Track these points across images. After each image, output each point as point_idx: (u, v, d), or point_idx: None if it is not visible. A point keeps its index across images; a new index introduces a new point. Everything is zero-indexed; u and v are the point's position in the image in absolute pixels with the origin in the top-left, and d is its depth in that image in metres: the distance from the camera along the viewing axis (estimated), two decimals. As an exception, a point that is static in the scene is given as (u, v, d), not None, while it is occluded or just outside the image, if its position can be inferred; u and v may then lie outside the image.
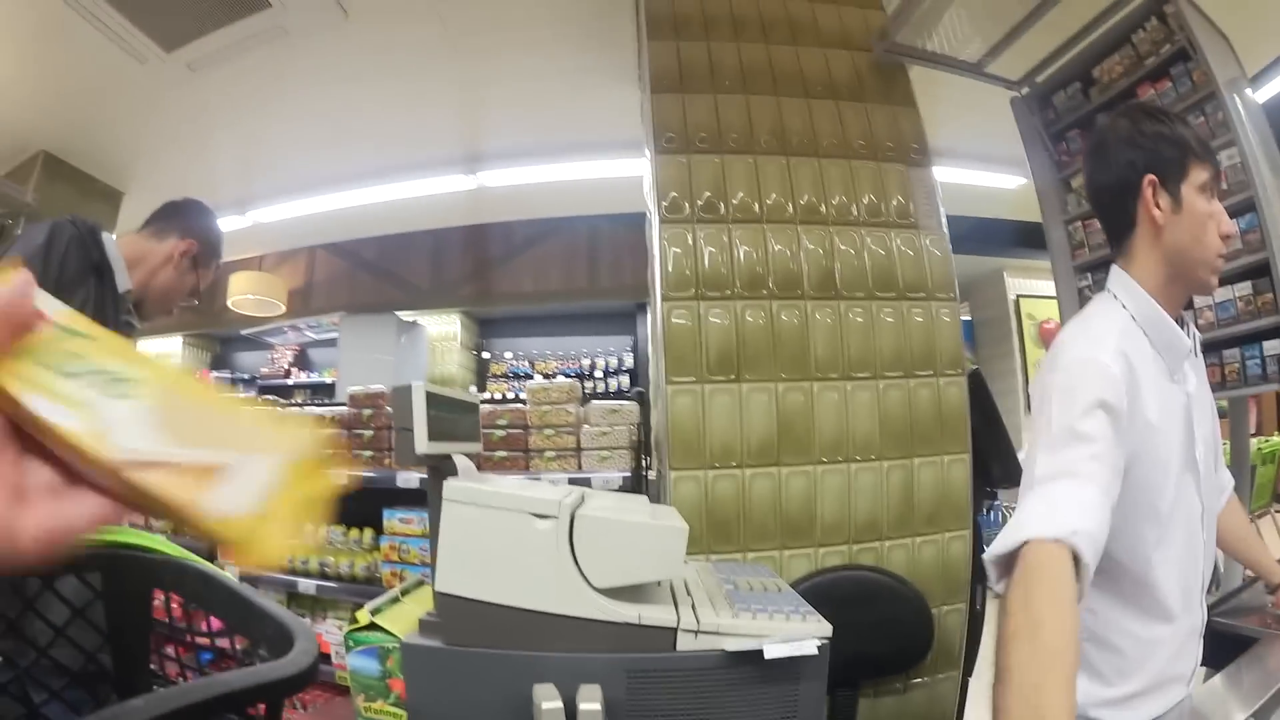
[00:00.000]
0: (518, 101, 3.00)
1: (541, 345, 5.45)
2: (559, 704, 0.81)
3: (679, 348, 1.86)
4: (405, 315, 4.81)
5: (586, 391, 5.05)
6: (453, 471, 1.01)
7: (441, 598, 0.90)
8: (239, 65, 2.71)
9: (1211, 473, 1.03)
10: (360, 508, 2.22)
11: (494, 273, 4.78)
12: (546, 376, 5.30)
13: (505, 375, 5.25)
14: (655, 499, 1.73)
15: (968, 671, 2.13)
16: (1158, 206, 0.96)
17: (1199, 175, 0.96)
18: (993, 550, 0.82)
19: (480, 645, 0.90)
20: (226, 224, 3.90)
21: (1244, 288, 2.08)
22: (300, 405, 3.65)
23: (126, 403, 0.27)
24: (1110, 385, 0.88)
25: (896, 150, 2.06)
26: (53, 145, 3.21)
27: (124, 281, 1.38)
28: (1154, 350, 0.97)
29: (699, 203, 1.94)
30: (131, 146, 3.22)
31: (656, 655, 0.93)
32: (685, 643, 0.94)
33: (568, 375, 5.12)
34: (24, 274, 0.27)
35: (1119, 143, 1.00)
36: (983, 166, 3.70)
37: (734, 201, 1.94)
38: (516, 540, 0.91)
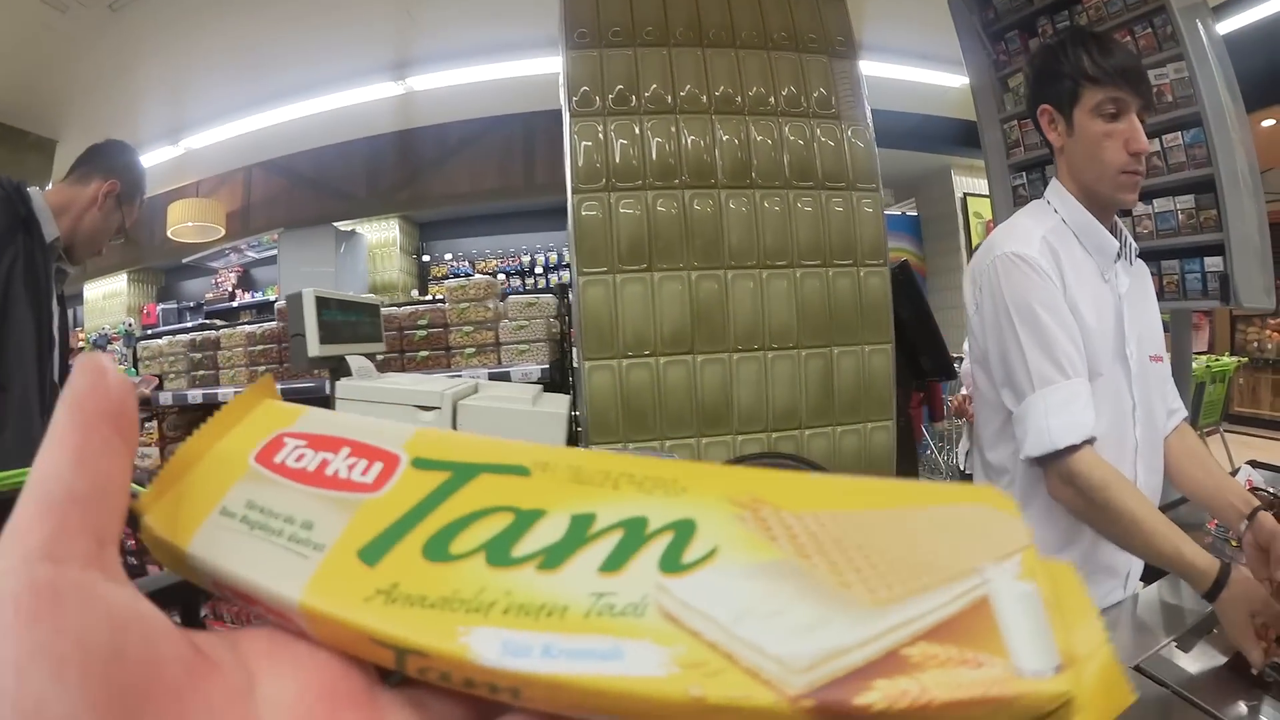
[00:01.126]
0: (444, 3, 3.01)
1: (481, 245, 5.58)
2: None
3: (590, 239, 1.88)
4: (344, 225, 4.88)
5: (526, 287, 5.14)
6: (348, 373, 1.04)
7: None
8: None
9: (1149, 373, 1.09)
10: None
11: (429, 176, 4.83)
12: (489, 275, 5.50)
13: (446, 277, 5.32)
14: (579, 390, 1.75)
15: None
16: (1055, 132, 1.07)
17: (1092, 98, 1.03)
18: (1032, 450, 0.98)
19: None
20: (160, 155, 3.98)
21: (1186, 200, 2.07)
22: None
23: (695, 575, 0.13)
24: (1041, 276, 0.99)
25: (820, 42, 2.05)
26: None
27: (51, 230, 1.45)
28: (1085, 251, 1.06)
29: (610, 96, 1.95)
30: (60, 94, 3.28)
31: None
32: None
33: (508, 273, 5.33)
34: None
35: (1028, 78, 1.12)
36: (930, 65, 3.71)
37: (646, 94, 1.94)
38: None
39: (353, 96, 3.59)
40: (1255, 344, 6.99)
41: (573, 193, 1.93)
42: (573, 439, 1.95)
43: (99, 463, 0.12)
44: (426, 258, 5.51)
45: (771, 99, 2.00)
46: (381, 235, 4.97)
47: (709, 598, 0.12)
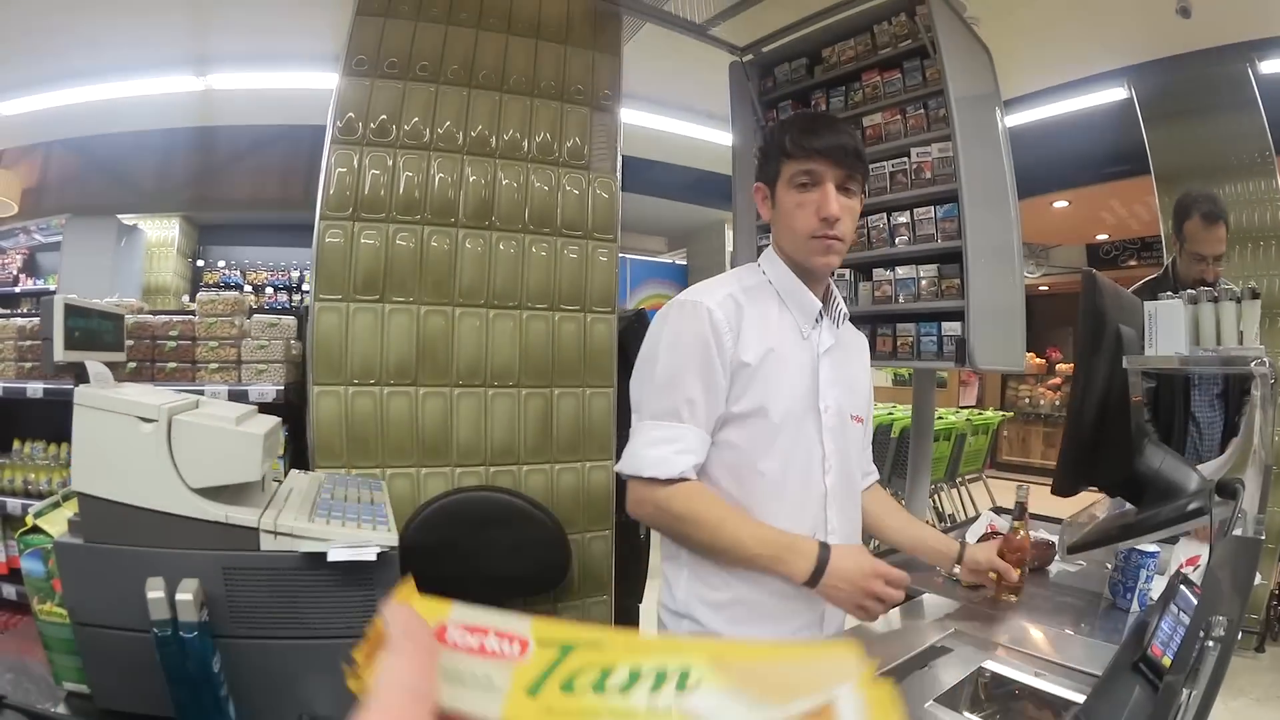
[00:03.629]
0: (250, 6, 3.08)
1: (255, 255, 5.75)
2: (162, 594, 0.99)
3: (330, 266, 2.01)
4: (128, 219, 4.89)
5: (291, 303, 5.44)
6: (87, 379, 1.14)
7: (81, 497, 1.06)
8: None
9: (848, 431, 1.23)
10: (61, 423, 2.33)
11: (215, 178, 4.92)
12: (256, 288, 5.65)
13: (217, 285, 5.42)
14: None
15: (624, 594, 2.30)
16: (765, 207, 1.22)
17: (788, 172, 1.16)
18: (627, 468, 1.13)
19: (111, 542, 1.05)
20: None
21: (930, 269, 2.28)
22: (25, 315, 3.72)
23: (698, 695, 0.25)
24: (708, 325, 1.12)
25: (586, 94, 2.21)
26: None
27: None
28: (786, 309, 1.20)
29: (372, 126, 2.08)
30: None
31: (244, 553, 1.10)
32: (267, 543, 1.10)
33: (276, 286, 5.57)
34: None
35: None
36: (713, 124, 4.00)
37: (406, 128, 2.09)
38: (129, 442, 1.06)
39: (154, 85, 3.62)
40: (1027, 400, 8.50)
41: (320, 218, 2.06)
42: (300, 457, 2.06)
43: (427, 672, 0.25)
44: (200, 262, 5.67)
45: (525, 144, 2.16)
46: (162, 234, 5.03)
47: (700, 703, 0.25)
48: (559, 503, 2.14)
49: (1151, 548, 1.39)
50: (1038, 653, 1.24)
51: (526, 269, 2.13)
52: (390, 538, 1.15)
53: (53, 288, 4.99)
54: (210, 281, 5.45)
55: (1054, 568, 1.70)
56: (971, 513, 4.67)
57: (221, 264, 5.66)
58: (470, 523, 2.06)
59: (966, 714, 1.08)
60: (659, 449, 1.10)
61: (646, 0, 2.45)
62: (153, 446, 1.06)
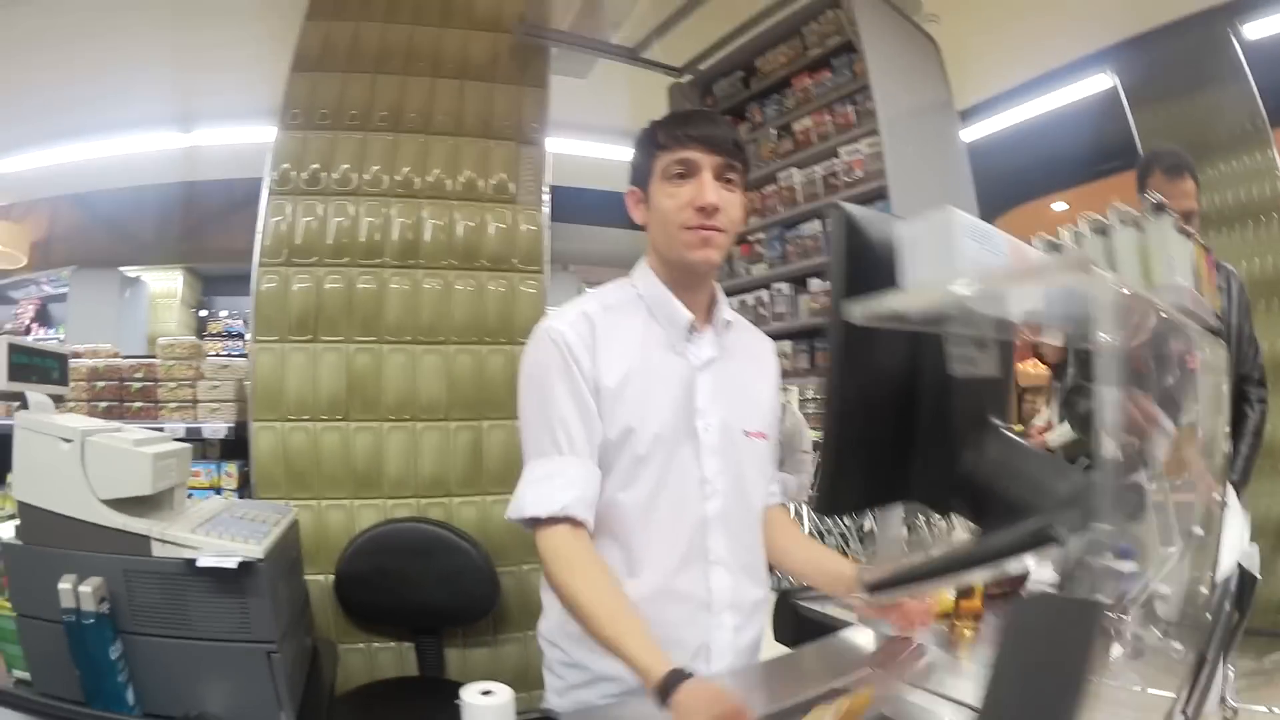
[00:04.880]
0: (231, 66, 3.28)
1: None
2: (70, 587, 1.26)
3: (266, 309, 2.16)
4: (131, 271, 5.18)
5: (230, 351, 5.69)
6: (27, 407, 1.43)
7: (20, 505, 1.36)
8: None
9: (740, 448, 1.17)
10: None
11: (213, 229, 5.14)
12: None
13: (220, 334, 5.65)
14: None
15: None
16: (640, 210, 1.17)
17: (661, 164, 1.11)
18: (512, 512, 1.08)
19: (42, 544, 1.34)
20: None
21: None
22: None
23: None
24: (562, 346, 1.09)
25: (512, 129, 2.31)
26: None
27: None
28: (656, 322, 1.15)
29: (304, 176, 2.21)
30: None
31: (140, 558, 1.35)
32: (158, 550, 1.35)
33: None
34: None
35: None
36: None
37: (335, 175, 2.23)
38: (53, 459, 1.35)
39: (147, 142, 3.89)
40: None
41: (257, 265, 2.19)
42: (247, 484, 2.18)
43: None
44: (204, 312, 6.01)
45: (449, 183, 2.25)
46: (165, 285, 5.32)
47: None
48: (492, 535, 2.22)
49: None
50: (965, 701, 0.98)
51: (452, 305, 2.23)
52: (254, 550, 1.35)
53: (62, 337, 5.35)
54: (214, 330, 5.72)
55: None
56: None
57: (224, 313, 5.97)
58: (400, 553, 2.17)
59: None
60: (538, 487, 1.06)
61: (573, 31, 2.53)
62: (71, 462, 1.32)
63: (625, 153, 1.24)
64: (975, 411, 0.81)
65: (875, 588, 0.98)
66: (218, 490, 2.30)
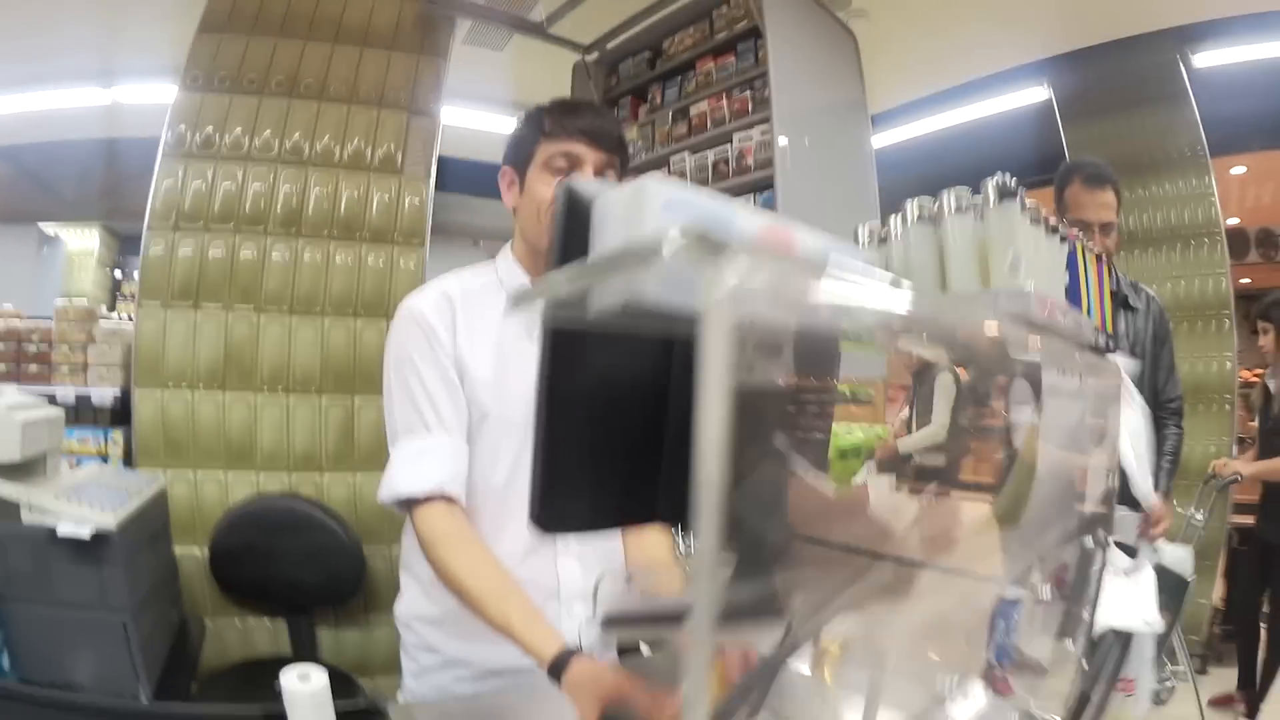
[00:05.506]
0: (156, 21, 3.26)
1: None
2: None
3: (152, 275, 2.19)
4: (49, 227, 5.16)
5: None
6: None
7: None
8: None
9: None
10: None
11: (133, 187, 5.08)
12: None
13: (133, 295, 5.64)
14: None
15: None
16: (511, 192, 1.15)
17: (543, 154, 1.09)
18: (384, 494, 1.07)
19: None
20: None
21: None
22: None
23: None
24: (424, 324, 1.09)
25: (406, 99, 2.25)
26: None
27: None
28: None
29: (198, 139, 2.19)
30: None
31: (11, 523, 1.39)
32: (27, 516, 1.39)
33: None
34: None
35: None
36: None
37: (228, 140, 2.21)
38: None
39: (70, 98, 3.92)
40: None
41: (146, 228, 2.19)
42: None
43: None
44: (119, 272, 5.91)
45: (337, 151, 2.22)
46: (83, 244, 5.26)
47: None
48: (362, 513, 2.21)
49: (1013, 594, 1.11)
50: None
51: (331, 276, 2.20)
52: (107, 520, 1.37)
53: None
54: (128, 292, 5.68)
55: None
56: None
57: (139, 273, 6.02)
58: (268, 529, 2.17)
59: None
60: (410, 466, 1.05)
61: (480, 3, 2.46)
62: None
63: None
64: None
65: (610, 623, 0.92)
66: (104, 457, 2.34)
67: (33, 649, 1.39)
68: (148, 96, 3.85)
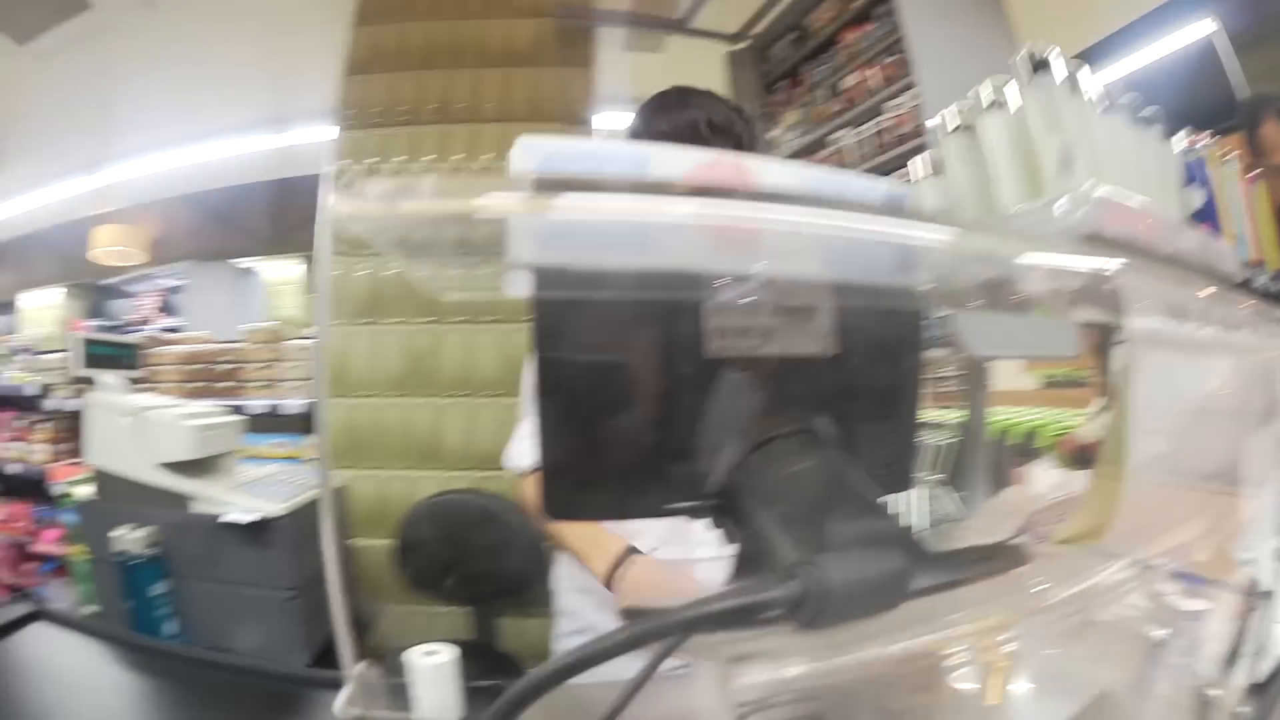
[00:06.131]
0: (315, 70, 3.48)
1: None
2: (121, 534, 1.57)
3: (336, 296, 2.29)
4: (244, 262, 5.49)
5: None
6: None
7: (94, 470, 1.72)
8: (82, 49, 3.37)
9: None
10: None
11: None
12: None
13: None
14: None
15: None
16: None
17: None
18: (507, 463, 1.23)
19: (108, 500, 1.67)
20: (83, 183, 4.66)
21: None
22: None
23: None
24: None
25: (561, 110, 2.38)
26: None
27: None
28: None
29: (363, 171, 2.34)
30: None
31: (184, 514, 1.64)
32: (198, 506, 1.63)
33: None
34: None
35: None
36: None
37: (390, 168, 2.32)
38: (119, 431, 1.64)
39: (267, 141, 4.25)
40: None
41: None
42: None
43: None
44: None
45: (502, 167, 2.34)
46: (283, 274, 5.59)
47: None
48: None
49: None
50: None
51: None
52: (271, 509, 1.60)
53: (182, 324, 5.84)
54: None
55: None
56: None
57: (344, 296, 6.35)
58: (452, 522, 2.28)
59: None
60: (524, 442, 1.18)
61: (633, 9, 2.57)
62: (129, 433, 1.62)
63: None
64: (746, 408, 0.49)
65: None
66: (297, 460, 2.52)
67: (201, 618, 1.67)
68: (318, 136, 4.13)
